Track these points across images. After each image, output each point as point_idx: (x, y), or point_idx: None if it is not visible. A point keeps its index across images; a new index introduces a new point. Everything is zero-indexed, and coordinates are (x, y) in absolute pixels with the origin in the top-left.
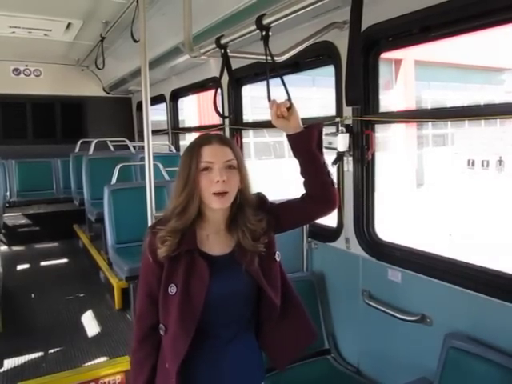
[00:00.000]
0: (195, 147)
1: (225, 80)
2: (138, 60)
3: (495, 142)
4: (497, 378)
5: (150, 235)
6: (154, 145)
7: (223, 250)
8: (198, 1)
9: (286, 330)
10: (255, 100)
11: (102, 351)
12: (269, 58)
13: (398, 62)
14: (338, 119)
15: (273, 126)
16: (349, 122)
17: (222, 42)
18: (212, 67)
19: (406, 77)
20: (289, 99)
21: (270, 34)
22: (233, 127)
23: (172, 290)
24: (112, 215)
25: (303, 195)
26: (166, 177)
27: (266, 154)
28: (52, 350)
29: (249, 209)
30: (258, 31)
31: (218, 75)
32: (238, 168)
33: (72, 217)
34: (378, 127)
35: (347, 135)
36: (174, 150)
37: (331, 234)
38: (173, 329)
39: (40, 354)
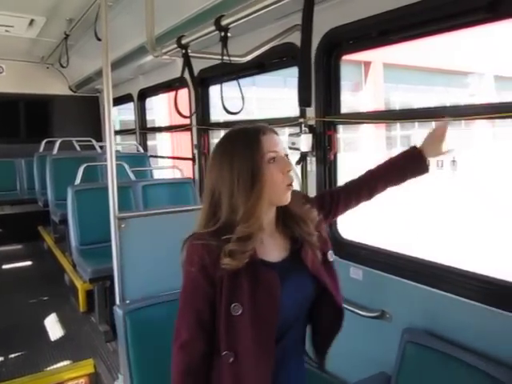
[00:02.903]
0: (250, 139)
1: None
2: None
3: (452, 142)
4: (452, 371)
5: (199, 248)
6: (122, 145)
7: (282, 255)
8: (161, 1)
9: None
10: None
11: (65, 355)
12: (229, 58)
13: (367, 65)
14: (301, 120)
15: None
16: (312, 122)
17: (183, 42)
18: (179, 67)
19: (375, 79)
20: (242, 99)
21: (230, 34)
22: (200, 127)
23: (237, 309)
24: (76, 216)
25: (352, 188)
26: (132, 177)
27: None
28: (12, 355)
29: (297, 198)
30: (217, 32)
31: (192, 75)
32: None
33: (36, 218)
34: (348, 128)
35: (310, 136)
36: (141, 150)
37: None
38: (250, 353)
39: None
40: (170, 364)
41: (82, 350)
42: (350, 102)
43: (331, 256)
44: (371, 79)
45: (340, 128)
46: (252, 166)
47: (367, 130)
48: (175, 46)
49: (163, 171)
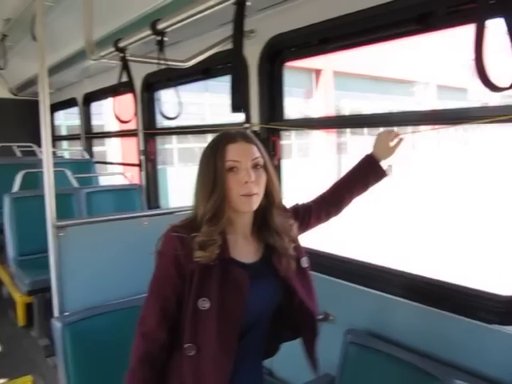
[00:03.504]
0: (219, 145)
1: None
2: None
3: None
4: (393, 370)
5: (175, 239)
6: (69, 151)
7: (253, 257)
8: (101, 5)
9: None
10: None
11: (1, 372)
12: (167, 63)
13: (318, 72)
14: (246, 125)
15: (195, 132)
16: (257, 128)
17: (120, 45)
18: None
19: (326, 86)
20: (179, 104)
21: (167, 39)
22: (146, 132)
23: (204, 304)
24: (13, 225)
25: (321, 203)
26: (75, 184)
27: (193, 160)
28: None
29: (278, 211)
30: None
31: (130, 80)
32: (265, 167)
33: None
34: (301, 134)
35: None
36: (86, 156)
37: None
38: (212, 348)
39: None
40: (112, 376)
41: (20, 366)
42: (302, 108)
43: (304, 263)
44: (322, 86)
45: (292, 134)
46: (214, 172)
47: (320, 136)
48: (113, 49)
49: (111, 178)
